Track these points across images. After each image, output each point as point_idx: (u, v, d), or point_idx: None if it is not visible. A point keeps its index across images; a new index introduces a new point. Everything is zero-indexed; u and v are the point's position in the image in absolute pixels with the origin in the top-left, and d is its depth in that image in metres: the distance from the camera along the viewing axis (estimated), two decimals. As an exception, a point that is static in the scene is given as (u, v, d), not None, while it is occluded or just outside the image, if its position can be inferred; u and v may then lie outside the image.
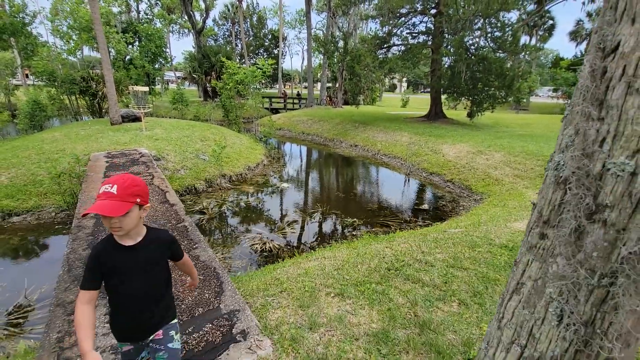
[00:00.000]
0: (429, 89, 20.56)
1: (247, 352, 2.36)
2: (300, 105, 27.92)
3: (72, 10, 16.74)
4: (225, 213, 7.96)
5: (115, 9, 28.57)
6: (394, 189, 10.57)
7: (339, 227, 7.31)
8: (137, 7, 33.80)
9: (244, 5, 36.49)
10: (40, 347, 2.39)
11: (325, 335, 2.56)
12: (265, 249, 6.00)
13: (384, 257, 3.96)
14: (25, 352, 3.30)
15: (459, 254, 3.97)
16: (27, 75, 34.08)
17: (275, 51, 41.62)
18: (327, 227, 7.41)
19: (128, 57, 26.33)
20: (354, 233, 6.90)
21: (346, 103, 27.39)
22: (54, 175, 6.66)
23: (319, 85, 35.14)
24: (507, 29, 14.21)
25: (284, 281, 3.51)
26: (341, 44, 18.60)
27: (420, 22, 17.24)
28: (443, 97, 18.37)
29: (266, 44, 42.32)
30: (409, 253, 4.05)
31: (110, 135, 11.16)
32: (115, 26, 25.76)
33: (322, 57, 29.65)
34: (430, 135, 14.17)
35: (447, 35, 15.48)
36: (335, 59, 19.80)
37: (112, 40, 21.12)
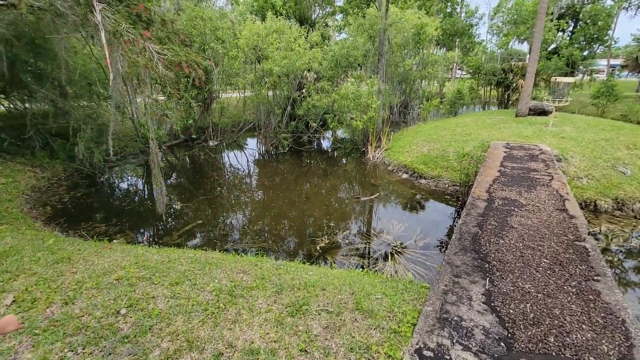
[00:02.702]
0: None
1: None
2: None
3: (517, 4, 17.68)
4: (634, 249, 5.74)
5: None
6: None
7: None
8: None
9: None
10: (430, 290, 2.89)
11: None
12: None
13: None
14: (417, 286, 4.24)
15: None
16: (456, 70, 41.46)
17: None
18: None
19: (552, 45, 24.59)
20: None
21: None
22: (459, 155, 7.76)
23: None
24: None
25: None
26: None
27: None
28: None
29: None
30: None
31: (512, 127, 11.26)
32: (552, 13, 24.49)
33: None
34: None
35: None
36: None
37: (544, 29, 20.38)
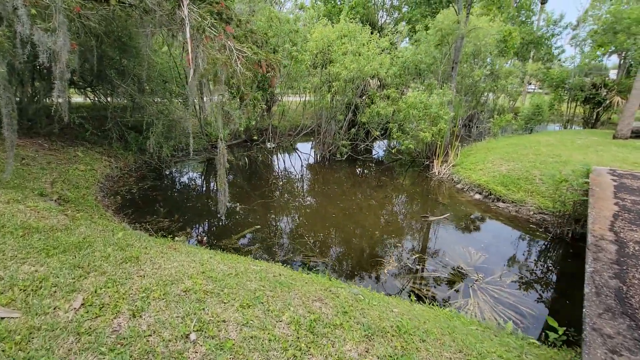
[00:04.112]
0: None
1: None
2: None
3: (616, 10, 15.46)
4: None
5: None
6: None
7: None
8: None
9: None
10: (581, 369, 2.13)
11: None
12: None
13: None
14: (528, 344, 3.45)
15: None
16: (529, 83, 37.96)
17: None
18: None
19: None
20: None
21: None
22: (555, 179, 6.65)
23: None
24: None
25: None
26: None
27: None
28: None
29: None
30: None
31: (613, 150, 9.65)
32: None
33: None
34: None
35: None
36: None
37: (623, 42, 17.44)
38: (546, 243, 6.64)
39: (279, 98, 13.65)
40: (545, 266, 5.97)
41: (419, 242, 6.65)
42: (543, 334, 3.56)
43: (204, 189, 9.47)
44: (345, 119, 12.23)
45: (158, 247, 4.46)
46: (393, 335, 2.55)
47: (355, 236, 6.76)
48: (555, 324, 3.48)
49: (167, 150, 9.18)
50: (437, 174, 11.00)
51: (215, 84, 5.41)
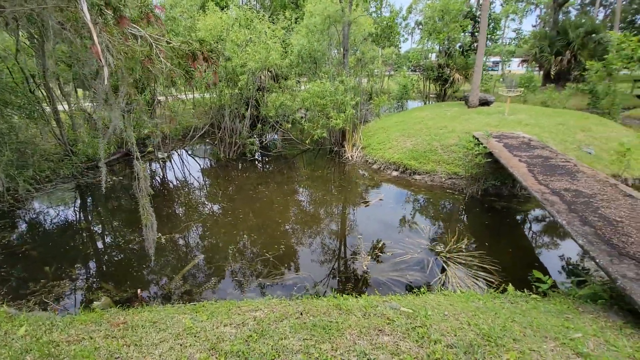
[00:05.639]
0: None
1: None
2: None
3: (444, 3, 19.01)
4: None
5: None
6: None
7: None
8: (481, -7, 34.16)
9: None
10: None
11: None
12: None
13: None
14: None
15: None
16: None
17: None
18: None
19: (459, 44, 27.52)
20: None
21: None
22: (468, 150, 7.75)
23: None
24: None
25: None
26: None
27: None
28: None
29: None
30: None
31: (475, 117, 11.88)
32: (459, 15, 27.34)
33: None
34: None
35: None
36: None
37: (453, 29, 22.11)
38: (465, 202, 7.71)
39: (162, 99, 11.52)
40: (475, 222, 6.94)
41: (375, 228, 6.72)
42: (533, 287, 4.06)
43: (93, 223, 7.23)
44: (249, 115, 11.28)
45: (99, 330, 3.07)
46: (496, 346, 2.38)
47: (309, 235, 6.38)
48: (541, 276, 4.00)
49: (23, 183, 6.51)
50: (350, 158, 11.42)
51: (122, 87, 3.92)
